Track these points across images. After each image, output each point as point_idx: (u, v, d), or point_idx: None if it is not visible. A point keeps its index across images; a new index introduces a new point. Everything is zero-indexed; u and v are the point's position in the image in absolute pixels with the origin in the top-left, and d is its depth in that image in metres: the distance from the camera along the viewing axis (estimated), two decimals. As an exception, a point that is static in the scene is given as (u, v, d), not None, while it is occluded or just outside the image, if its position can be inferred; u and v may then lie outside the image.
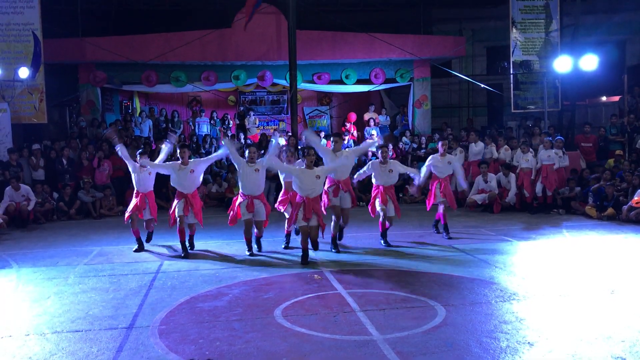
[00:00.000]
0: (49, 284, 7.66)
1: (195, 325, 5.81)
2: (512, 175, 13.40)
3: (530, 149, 13.68)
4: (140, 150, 9.95)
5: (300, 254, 8.62)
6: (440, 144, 10.38)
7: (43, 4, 15.78)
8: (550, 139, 13.64)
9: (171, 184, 9.58)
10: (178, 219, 9.21)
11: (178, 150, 9.28)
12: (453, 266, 8.10)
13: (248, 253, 9.13)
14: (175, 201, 9.34)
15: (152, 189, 9.90)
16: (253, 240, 9.33)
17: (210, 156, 10.89)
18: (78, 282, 7.67)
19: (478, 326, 5.58)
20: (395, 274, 7.71)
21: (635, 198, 11.81)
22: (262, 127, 20.26)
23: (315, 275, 7.71)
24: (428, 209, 10.69)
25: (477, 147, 14.69)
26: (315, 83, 19.00)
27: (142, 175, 9.62)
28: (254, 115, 20.09)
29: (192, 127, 19.37)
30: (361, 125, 19.88)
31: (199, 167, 9.37)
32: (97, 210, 13.93)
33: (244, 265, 8.41)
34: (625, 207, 11.78)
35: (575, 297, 6.54)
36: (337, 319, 5.88)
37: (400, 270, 7.96)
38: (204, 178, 10.35)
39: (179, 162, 9.23)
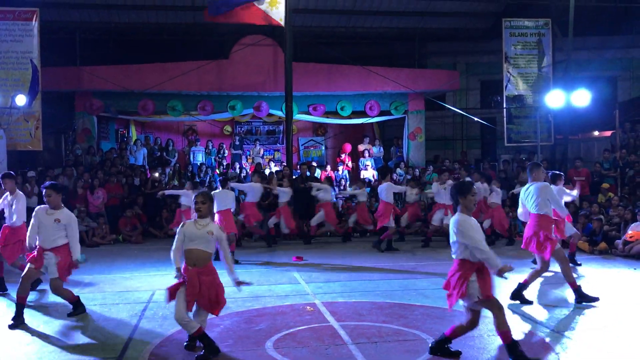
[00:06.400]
0: (39, 312, 7.60)
1: (186, 357, 5.74)
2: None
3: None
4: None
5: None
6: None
7: (42, 33, 15.98)
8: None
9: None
10: None
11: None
12: (446, 299, 8.03)
13: None
14: None
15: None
16: None
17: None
18: (68, 311, 7.60)
19: (470, 360, 5.55)
20: (387, 307, 7.67)
21: (629, 232, 11.85)
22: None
23: (308, 307, 7.67)
24: (377, 229, 13.05)
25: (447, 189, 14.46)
26: (310, 114, 19.16)
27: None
28: (259, 145, 20.25)
29: (188, 156, 19.44)
30: (356, 156, 20.02)
31: None
32: (89, 238, 13.87)
33: (235, 296, 8.33)
34: (619, 242, 11.81)
35: (568, 332, 6.52)
36: (328, 352, 5.83)
37: (392, 302, 7.92)
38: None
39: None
